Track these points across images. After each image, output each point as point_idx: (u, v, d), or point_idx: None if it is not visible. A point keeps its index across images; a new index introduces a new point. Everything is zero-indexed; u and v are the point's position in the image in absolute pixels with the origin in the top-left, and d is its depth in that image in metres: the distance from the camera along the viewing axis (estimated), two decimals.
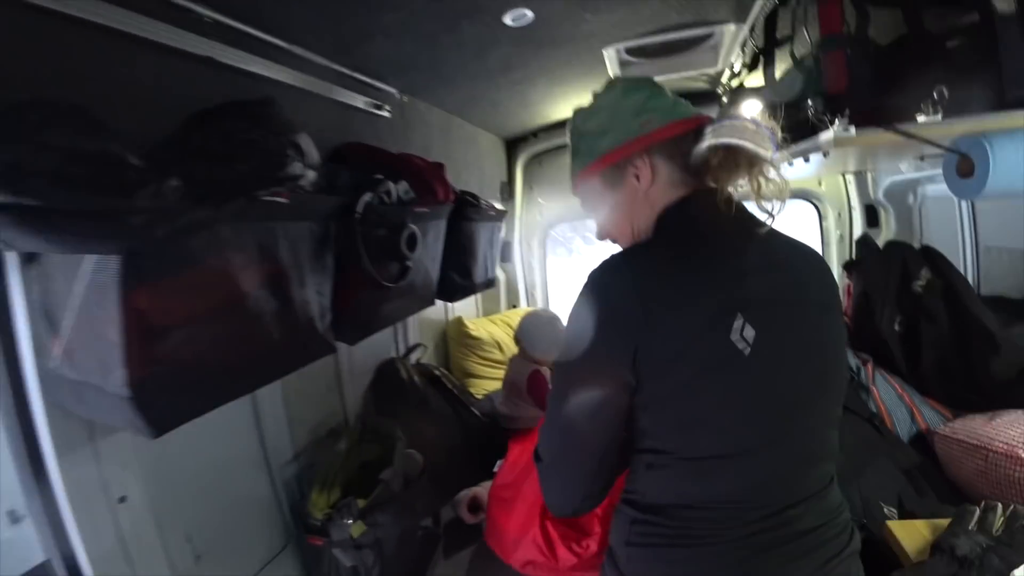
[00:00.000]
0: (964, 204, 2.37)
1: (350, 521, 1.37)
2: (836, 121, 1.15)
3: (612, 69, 2.20)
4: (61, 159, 0.64)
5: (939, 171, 2.39)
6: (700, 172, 0.89)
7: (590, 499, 0.90)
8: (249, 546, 1.51)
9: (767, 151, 0.81)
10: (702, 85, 2.71)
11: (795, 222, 3.47)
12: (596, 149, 0.93)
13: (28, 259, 0.84)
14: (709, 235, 0.84)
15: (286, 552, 1.60)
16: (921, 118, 1.13)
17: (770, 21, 1.52)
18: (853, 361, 1.88)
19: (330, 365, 1.90)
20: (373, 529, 1.39)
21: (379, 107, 1.73)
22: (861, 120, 1.15)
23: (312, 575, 1.52)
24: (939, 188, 2.55)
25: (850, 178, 2.96)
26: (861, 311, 2.04)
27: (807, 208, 3.31)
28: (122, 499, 1.06)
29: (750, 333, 0.76)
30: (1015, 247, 2.11)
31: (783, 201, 0.85)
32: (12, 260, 0.86)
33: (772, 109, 1.56)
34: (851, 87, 1.15)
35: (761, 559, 0.79)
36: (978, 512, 1.06)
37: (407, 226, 1.30)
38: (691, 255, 0.82)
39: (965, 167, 1.20)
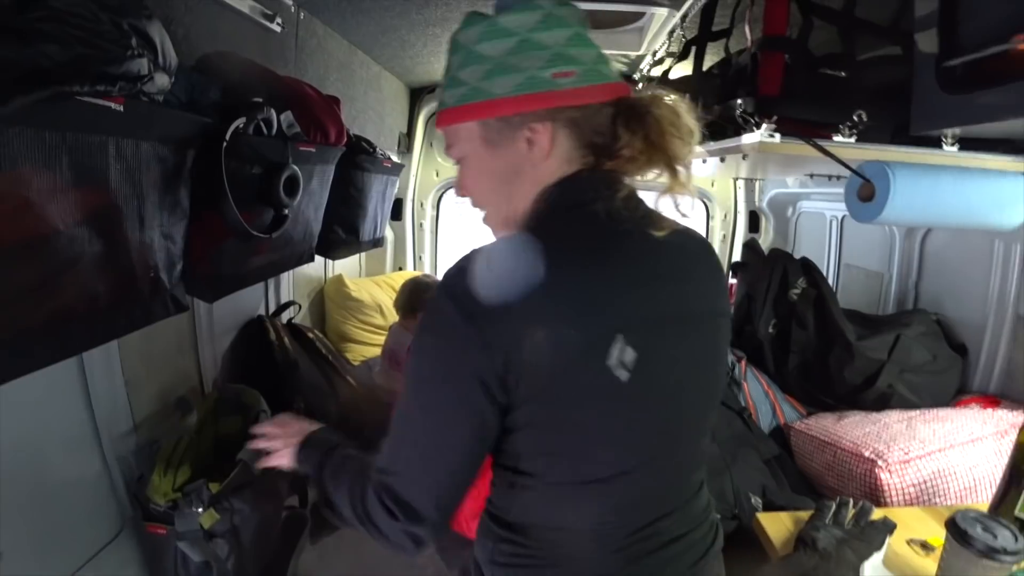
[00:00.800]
0: (834, 224, 2.57)
1: (199, 509, 1.16)
2: (764, 125, 1.12)
3: None
4: None
5: (817, 189, 2.63)
6: (603, 152, 0.72)
7: (447, 514, 0.73)
8: (71, 536, 1.24)
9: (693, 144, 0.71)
10: (619, 67, 2.68)
11: (681, 218, 3.64)
12: (485, 89, 0.69)
13: None
14: (597, 233, 0.70)
15: (121, 540, 1.34)
16: (838, 138, 1.14)
17: (707, 12, 1.47)
18: (729, 358, 1.98)
19: (184, 322, 1.61)
20: (228, 516, 1.19)
21: (269, 17, 1.44)
22: (786, 129, 1.13)
23: (154, 569, 1.29)
24: (813, 204, 2.76)
25: (740, 183, 3.13)
26: (742, 312, 2.15)
27: (697, 206, 3.46)
28: None
29: (630, 356, 0.65)
30: (870, 268, 2.32)
31: (693, 199, 0.75)
32: None
33: (695, 103, 1.53)
34: (784, 92, 1.12)
35: (630, 570, 0.74)
36: (833, 507, 1.14)
37: (288, 166, 1.08)
38: (574, 260, 0.67)
39: (866, 191, 1.24)
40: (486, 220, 0.80)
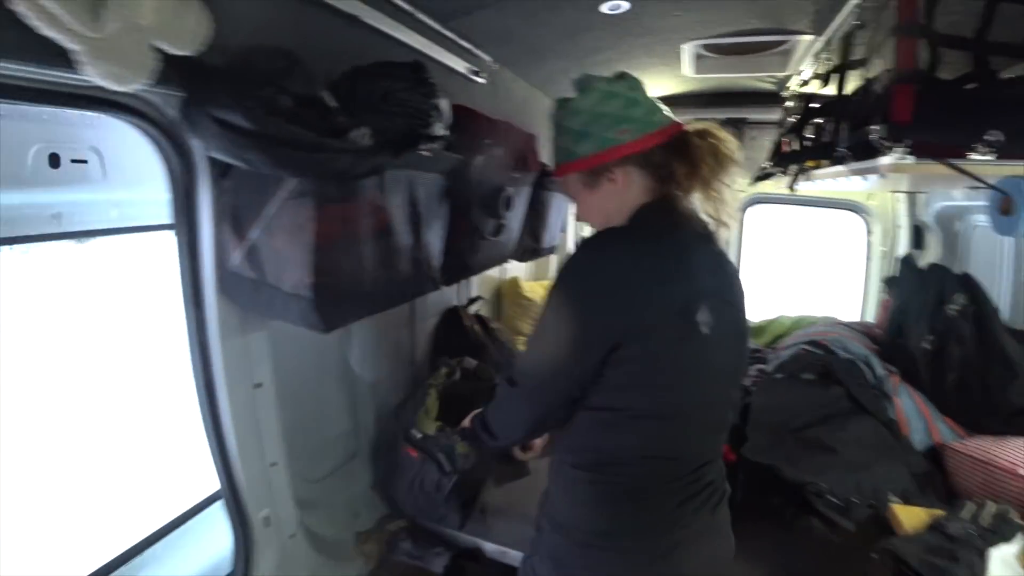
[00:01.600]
0: (1008, 238, 2.45)
1: (457, 440, 1.62)
2: (896, 149, 1.29)
3: (687, 62, 2.33)
4: (295, 102, 0.85)
5: (984, 202, 2.49)
6: (667, 178, 1.01)
7: (537, 433, 1.14)
8: (329, 448, 1.79)
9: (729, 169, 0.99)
10: (767, 86, 2.81)
11: (838, 232, 3.58)
12: (574, 152, 1.00)
13: (223, 172, 1.04)
14: (677, 233, 0.98)
15: (359, 455, 1.89)
16: (974, 156, 1.27)
17: (847, 41, 1.63)
18: (880, 371, 2.03)
19: (402, 310, 2.11)
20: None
21: (477, 73, 1.90)
22: (919, 151, 1.28)
23: (394, 479, 1.77)
24: (986, 218, 2.62)
25: (901, 197, 3.04)
26: (895, 326, 2.18)
27: (853, 219, 3.40)
28: (258, 385, 1.29)
29: (707, 317, 0.92)
30: None
31: (731, 217, 1.03)
32: (204, 172, 1.05)
33: (836, 124, 1.69)
34: (915, 120, 1.28)
35: (684, 507, 0.99)
36: (972, 507, 1.21)
37: (505, 189, 1.49)
38: (667, 247, 0.95)
39: (1006, 205, 1.34)
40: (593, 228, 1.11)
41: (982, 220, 2.67)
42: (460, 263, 1.49)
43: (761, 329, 3.40)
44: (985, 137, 1.23)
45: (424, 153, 1.09)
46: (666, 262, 0.94)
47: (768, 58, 2.29)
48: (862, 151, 1.48)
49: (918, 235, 3.05)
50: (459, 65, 1.83)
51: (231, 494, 1.27)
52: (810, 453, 1.66)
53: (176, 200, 1.08)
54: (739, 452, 1.72)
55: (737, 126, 3.23)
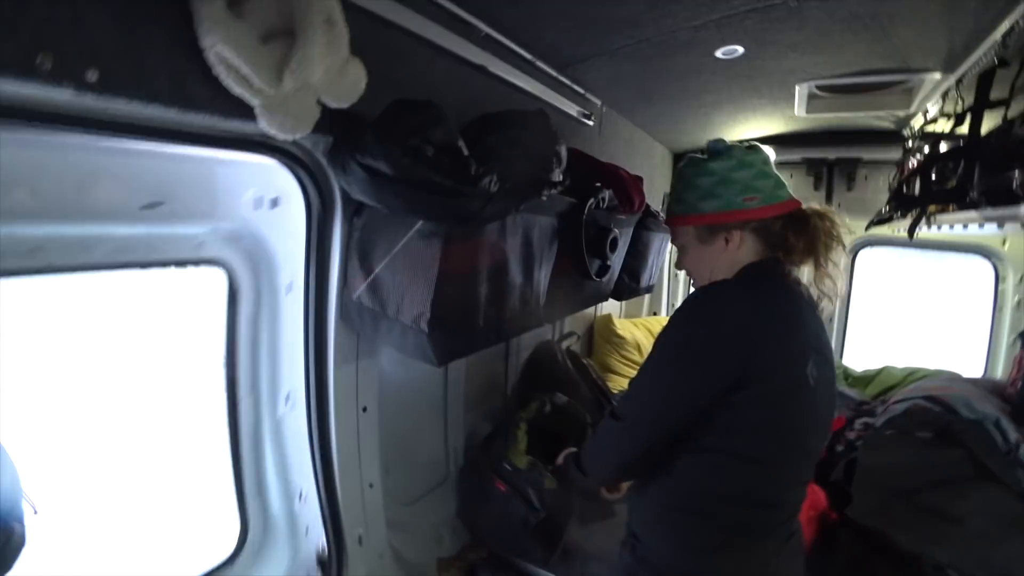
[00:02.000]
0: None
1: (547, 475, 1.65)
2: None
3: (800, 103, 2.27)
4: (436, 150, 0.91)
5: None
6: (776, 249, 1.08)
7: (629, 473, 1.16)
8: (421, 473, 1.85)
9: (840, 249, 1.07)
10: (885, 124, 2.67)
11: (960, 279, 3.30)
12: (699, 207, 1.09)
13: (357, 211, 1.13)
14: (787, 289, 1.04)
15: (447, 483, 1.93)
16: None
17: (984, 79, 1.54)
18: (1013, 435, 1.84)
19: None
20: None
21: (587, 116, 1.96)
22: None
23: (479, 511, 1.82)
24: None
25: None
26: None
27: (982, 265, 3.12)
28: (364, 409, 1.36)
29: (814, 371, 0.98)
30: None
31: (836, 294, 1.09)
32: (339, 210, 1.14)
33: (969, 167, 1.58)
34: None
35: (779, 555, 1.04)
36: None
37: (612, 230, 1.52)
38: (783, 300, 1.02)
39: None
40: (695, 285, 1.19)
41: None
42: (563, 301, 1.52)
43: (868, 379, 3.16)
44: None
45: (543, 197, 1.13)
46: (783, 313, 1.01)
47: (888, 97, 2.20)
48: (999, 197, 1.38)
49: None
50: (571, 109, 1.90)
51: (330, 511, 1.33)
52: (926, 520, 1.55)
53: (311, 234, 1.17)
54: (842, 512, 1.61)
55: (850, 165, 3.09)
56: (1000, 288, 3.05)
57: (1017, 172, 1.22)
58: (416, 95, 0.99)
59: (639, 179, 1.77)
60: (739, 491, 1.01)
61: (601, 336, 3.02)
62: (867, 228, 2.31)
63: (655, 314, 3.55)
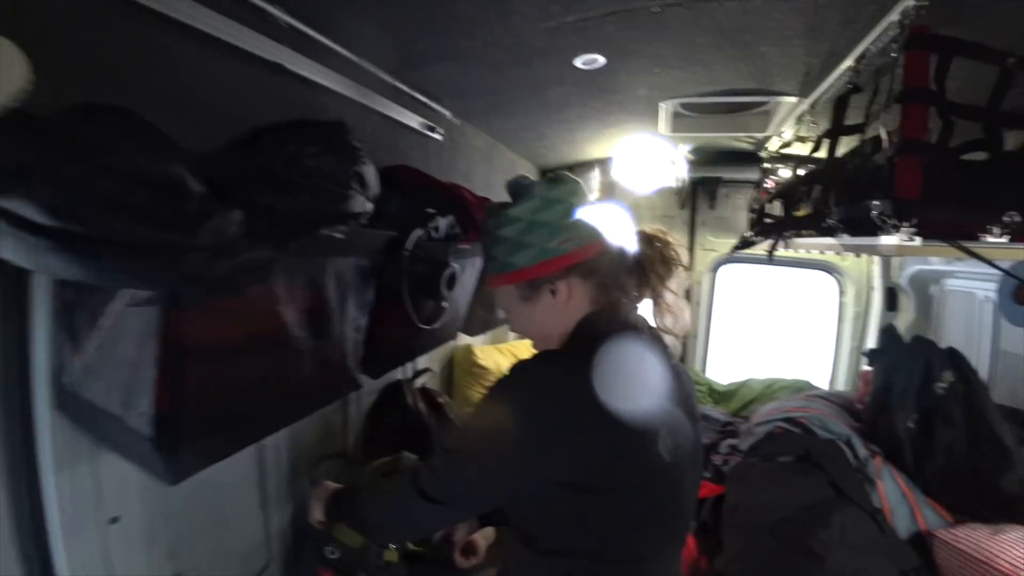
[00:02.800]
0: (987, 305, 2.34)
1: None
2: (902, 229, 1.12)
3: (664, 120, 2.20)
4: (120, 183, 0.58)
5: (966, 268, 2.43)
6: (612, 288, 0.92)
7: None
8: (231, 563, 1.45)
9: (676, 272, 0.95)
10: (745, 146, 2.72)
11: (808, 291, 3.50)
12: (510, 263, 0.91)
13: None
14: (629, 348, 0.87)
15: (269, 572, 1.56)
16: (988, 238, 1.11)
17: (841, 104, 1.49)
18: (862, 452, 1.87)
19: None
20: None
21: (432, 129, 1.70)
22: (927, 232, 1.12)
23: None
24: (961, 283, 2.54)
25: (876, 259, 2.96)
26: (878, 403, 2.02)
27: (824, 279, 3.32)
28: (114, 520, 1.00)
29: (670, 443, 0.84)
30: None
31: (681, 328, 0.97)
32: None
33: (825, 192, 1.54)
34: (924, 196, 1.12)
35: None
36: None
37: (450, 265, 1.26)
38: (620, 367, 0.83)
39: (1022, 294, 1.18)
40: (534, 346, 0.99)
41: (957, 284, 2.58)
42: (393, 353, 1.24)
43: (730, 394, 3.25)
44: (1003, 218, 1.08)
45: (335, 235, 0.85)
46: (620, 392, 0.81)
47: (748, 118, 2.20)
48: (857, 225, 1.32)
49: (892, 297, 2.96)
50: (411, 120, 1.62)
51: None
52: (792, 561, 1.51)
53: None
54: (712, 563, 1.52)
55: (712, 184, 3.15)
56: (842, 301, 3.26)
57: (877, 201, 1.13)
58: (183, 98, 0.71)
59: (487, 200, 1.53)
60: None
61: (461, 368, 2.75)
62: (732, 251, 2.29)
63: (521, 337, 3.35)
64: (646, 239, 0.95)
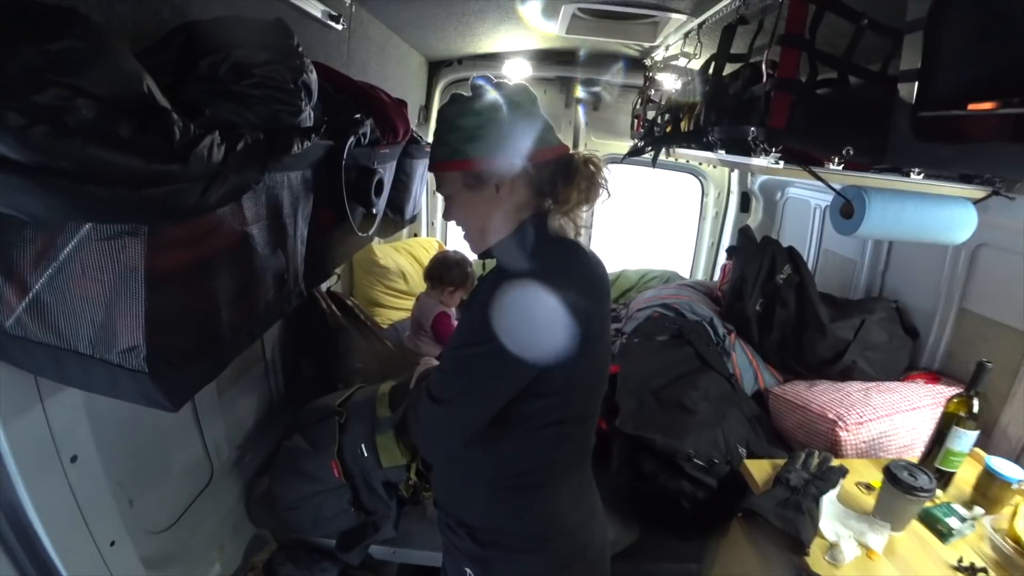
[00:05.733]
0: (817, 212, 2.83)
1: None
2: (772, 152, 1.34)
3: (563, 22, 2.23)
4: (99, 111, 0.56)
5: (805, 180, 2.86)
6: (549, 196, 1.03)
7: (464, 447, 1.06)
8: (177, 482, 1.51)
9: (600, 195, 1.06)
10: (633, 53, 2.84)
11: (678, 192, 3.87)
12: (464, 151, 0.97)
13: None
14: (572, 249, 1.01)
15: (212, 487, 1.63)
16: (829, 165, 1.38)
17: (727, 33, 1.64)
18: (721, 330, 2.27)
19: None
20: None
21: (335, 19, 1.58)
22: (789, 157, 1.36)
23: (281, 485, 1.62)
24: (800, 192, 3.01)
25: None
26: (734, 291, 2.42)
27: (692, 182, 3.69)
28: (74, 458, 1.00)
29: (606, 320, 1.03)
30: (846, 255, 2.60)
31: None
32: None
33: (707, 113, 1.74)
34: (789, 127, 1.34)
35: (585, 513, 1.12)
36: (803, 456, 1.45)
37: (376, 171, 1.28)
38: (585, 260, 1.00)
39: (846, 210, 1.49)
40: (466, 238, 1.08)
41: (796, 193, 3.04)
42: (323, 262, 1.27)
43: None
44: (842, 151, 1.33)
45: (295, 152, 0.86)
46: (582, 282, 0.96)
47: (639, 27, 2.30)
48: (734, 145, 1.54)
49: (745, 201, 3.42)
50: (315, 8, 1.49)
51: None
52: (671, 414, 1.84)
53: None
54: (610, 422, 1.82)
55: (597, 87, 3.24)
56: (704, 202, 3.66)
57: (754, 128, 1.33)
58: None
59: (402, 103, 1.52)
60: (571, 452, 1.06)
61: (362, 268, 2.77)
62: (623, 160, 2.47)
63: (416, 236, 3.39)
64: (583, 160, 1.03)
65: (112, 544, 1.12)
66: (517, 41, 2.72)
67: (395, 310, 2.80)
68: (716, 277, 3.34)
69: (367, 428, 1.56)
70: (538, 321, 0.89)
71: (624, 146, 2.62)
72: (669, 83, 2.32)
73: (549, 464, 1.03)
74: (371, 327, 2.14)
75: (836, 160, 1.36)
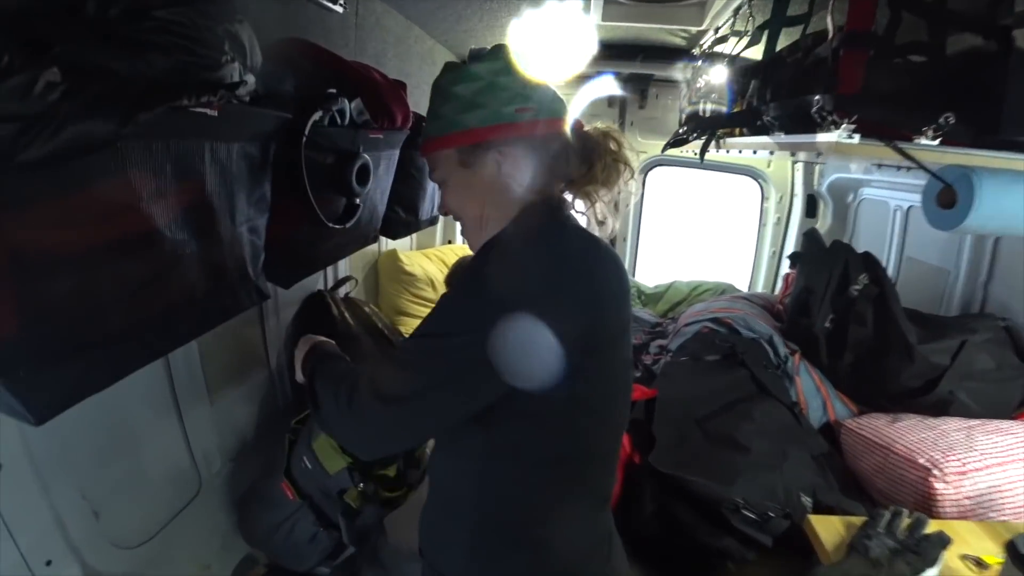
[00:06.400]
0: (898, 214, 2.46)
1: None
2: (843, 125, 1.07)
3: (596, 7, 2.02)
4: None
5: (882, 177, 2.51)
6: (559, 175, 0.87)
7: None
8: (157, 495, 1.38)
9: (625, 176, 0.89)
10: (678, 41, 2.59)
11: (732, 196, 3.54)
12: (460, 121, 0.83)
13: None
14: (581, 236, 0.83)
15: (200, 499, 1.49)
16: (921, 140, 1.09)
17: None
18: (782, 350, 1.95)
19: None
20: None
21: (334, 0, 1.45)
22: (865, 129, 1.08)
23: (251, 511, 1.50)
24: (876, 192, 2.64)
25: (799, 166, 3.00)
26: (799, 304, 2.09)
27: (750, 186, 3.36)
28: None
29: (620, 331, 0.83)
30: (935, 263, 2.22)
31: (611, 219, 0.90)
32: None
33: (761, 88, 1.47)
34: (865, 92, 1.07)
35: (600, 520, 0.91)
36: (887, 516, 1.15)
37: (360, 155, 1.10)
38: (587, 256, 0.80)
39: (946, 198, 1.18)
40: (464, 231, 0.92)
41: (872, 193, 2.67)
42: (299, 258, 1.10)
43: (657, 296, 3.32)
44: (939, 120, 1.05)
45: (206, 112, 0.68)
46: (588, 281, 0.78)
47: (679, 9, 2.06)
48: (793, 123, 1.27)
49: (811, 204, 3.05)
50: None
51: None
52: (719, 452, 1.55)
53: None
54: (645, 455, 1.56)
55: (642, 83, 3.00)
56: (764, 206, 3.32)
57: (818, 96, 1.07)
58: None
59: (400, 84, 1.34)
60: (580, 495, 0.85)
61: (387, 275, 2.61)
62: (664, 150, 2.21)
63: (450, 242, 3.22)
64: (601, 134, 0.88)
65: (48, 564, 1.01)
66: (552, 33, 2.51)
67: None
68: (778, 290, 2.99)
69: (307, 437, 1.41)
70: (518, 321, 0.68)
71: (674, 150, 2.37)
72: (719, 76, 2.06)
73: (548, 509, 0.82)
74: (388, 336, 1.96)
75: (930, 133, 1.07)
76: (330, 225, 1.02)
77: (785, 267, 2.96)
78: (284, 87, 1.01)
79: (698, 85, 2.18)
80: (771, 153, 1.55)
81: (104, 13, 0.63)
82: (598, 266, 0.80)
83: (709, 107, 1.97)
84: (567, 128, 0.86)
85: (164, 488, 1.41)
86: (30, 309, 0.57)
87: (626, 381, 0.90)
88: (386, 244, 2.67)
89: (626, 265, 3.63)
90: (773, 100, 1.34)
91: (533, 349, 0.68)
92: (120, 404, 1.23)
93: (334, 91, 1.03)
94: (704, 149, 1.89)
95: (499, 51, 0.84)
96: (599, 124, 0.90)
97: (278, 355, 1.80)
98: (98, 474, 1.17)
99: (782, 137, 1.32)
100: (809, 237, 2.25)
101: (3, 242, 0.53)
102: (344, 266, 2.18)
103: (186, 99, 0.63)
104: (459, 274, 2.10)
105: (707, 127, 1.79)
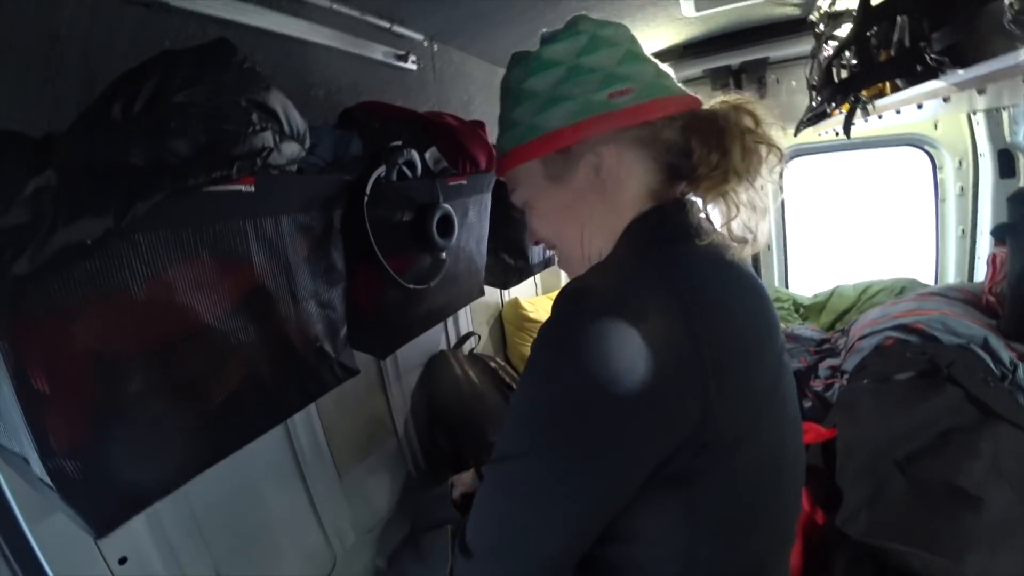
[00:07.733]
0: None
1: None
2: None
3: (687, 4, 1.83)
4: None
5: None
6: (679, 172, 0.66)
7: None
8: (289, 568, 1.37)
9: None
10: (790, 11, 2.26)
11: (893, 172, 2.98)
12: (539, 125, 0.65)
13: None
14: (714, 262, 0.61)
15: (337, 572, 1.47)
16: None
17: None
18: (1005, 355, 1.50)
19: (371, 363, 1.67)
20: None
21: (402, 58, 1.43)
22: None
23: None
24: None
25: (979, 118, 2.43)
26: (1018, 292, 1.60)
27: (914, 156, 2.79)
28: (123, 560, 0.92)
29: (770, 383, 0.61)
30: None
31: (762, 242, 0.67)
32: None
33: (915, 23, 1.16)
34: None
35: None
36: None
37: (439, 205, 1.02)
38: (721, 281, 0.61)
39: None
40: (562, 264, 0.75)
41: None
42: (390, 325, 1.03)
43: (819, 307, 2.84)
44: None
45: (240, 188, 0.62)
46: (740, 307, 0.61)
47: None
48: (974, 48, 0.95)
49: (1007, 161, 2.43)
50: (375, 52, 1.36)
51: None
52: (937, 508, 1.14)
53: None
54: (830, 516, 1.21)
55: (759, 69, 2.69)
56: (939, 178, 2.74)
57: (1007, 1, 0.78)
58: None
59: (477, 124, 1.25)
60: None
61: (512, 325, 2.51)
62: (797, 132, 1.89)
63: None
64: (731, 108, 0.66)
65: None
66: (645, 40, 2.33)
67: None
68: (980, 276, 2.40)
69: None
70: (622, 398, 0.49)
71: (808, 135, 2.04)
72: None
73: None
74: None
75: None
76: (407, 286, 0.94)
77: (987, 245, 2.39)
78: (351, 150, 0.98)
79: (825, 54, 1.85)
80: (944, 101, 1.18)
81: (129, 112, 0.60)
82: (738, 310, 0.60)
83: (844, 73, 1.64)
84: (681, 108, 0.66)
85: (299, 565, 1.39)
86: (76, 429, 0.54)
87: (794, 444, 0.66)
88: (508, 294, 2.61)
89: (776, 275, 3.18)
90: (938, 27, 1.03)
91: (649, 428, 0.52)
92: (246, 483, 1.25)
93: (398, 143, 0.96)
94: (849, 120, 1.55)
95: (577, 24, 0.66)
96: (724, 96, 0.68)
97: (405, 422, 1.76)
98: (232, 558, 1.17)
99: (960, 74, 1.00)
100: (1018, 201, 1.75)
101: (32, 361, 0.50)
102: (466, 322, 2.13)
103: (192, 179, 0.57)
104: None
105: (848, 90, 1.46)
